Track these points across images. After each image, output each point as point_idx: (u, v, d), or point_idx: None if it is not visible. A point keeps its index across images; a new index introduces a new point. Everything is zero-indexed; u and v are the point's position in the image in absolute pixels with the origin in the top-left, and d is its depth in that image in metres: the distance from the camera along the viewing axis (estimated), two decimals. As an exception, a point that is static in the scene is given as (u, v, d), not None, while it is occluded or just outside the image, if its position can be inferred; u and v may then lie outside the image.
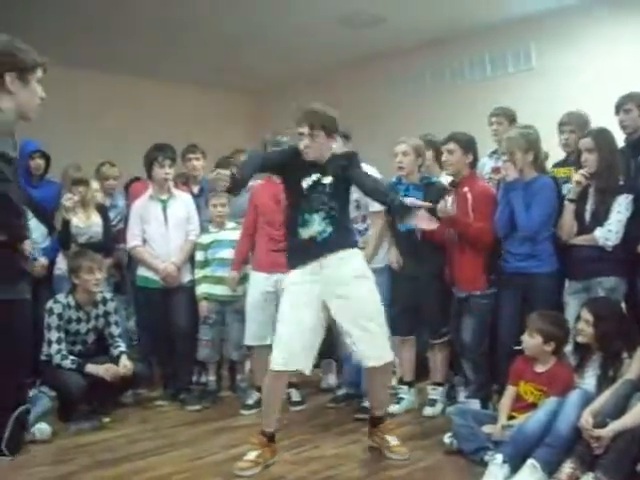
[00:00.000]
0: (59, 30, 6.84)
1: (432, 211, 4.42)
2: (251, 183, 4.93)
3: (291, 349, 3.71)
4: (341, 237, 3.82)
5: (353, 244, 3.93)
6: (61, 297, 4.84)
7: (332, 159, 3.84)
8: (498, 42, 7.53)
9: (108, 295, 5.04)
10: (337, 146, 4.68)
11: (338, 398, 5.01)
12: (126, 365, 4.81)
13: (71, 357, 4.67)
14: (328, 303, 3.77)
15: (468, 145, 4.58)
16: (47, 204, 5.28)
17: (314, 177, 3.79)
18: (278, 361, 3.73)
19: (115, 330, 4.98)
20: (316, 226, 3.76)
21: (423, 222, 4.28)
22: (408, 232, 4.64)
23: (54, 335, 4.70)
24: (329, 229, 3.76)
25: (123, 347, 4.95)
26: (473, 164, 4.65)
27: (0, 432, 2.47)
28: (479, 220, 4.42)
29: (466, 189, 4.49)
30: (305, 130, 3.75)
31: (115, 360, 4.82)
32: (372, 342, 3.75)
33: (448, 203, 4.33)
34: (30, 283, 2.67)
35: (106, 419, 4.71)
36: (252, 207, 5.00)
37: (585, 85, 6.64)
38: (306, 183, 3.79)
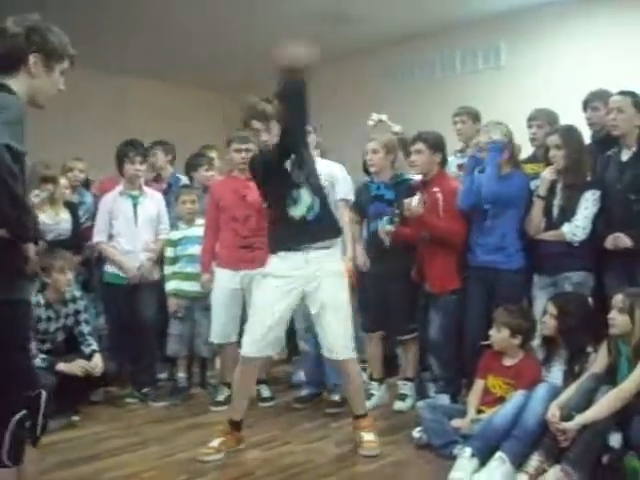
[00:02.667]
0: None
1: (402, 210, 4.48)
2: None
3: (264, 338, 3.78)
4: (329, 217, 3.92)
5: (338, 231, 4.01)
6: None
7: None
8: (469, 39, 7.57)
9: (78, 293, 4.99)
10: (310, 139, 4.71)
11: (303, 398, 4.97)
12: (98, 364, 4.77)
13: (41, 355, 4.62)
14: (305, 296, 3.85)
15: (436, 144, 4.55)
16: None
17: (292, 157, 3.82)
18: (250, 348, 3.80)
19: (85, 328, 4.93)
20: (306, 199, 3.78)
21: (382, 234, 4.50)
22: (376, 232, 4.68)
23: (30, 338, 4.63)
24: (316, 204, 3.80)
25: (95, 346, 4.90)
26: (442, 163, 4.63)
27: None
28: (450, 219, 4.42)
29: (436, 189, 4.47)
30: (259, 126, 3.79)
31: (87, 358, 4.78)
32: (338, 335, 3.83)
33: (414, 202, 4.34)
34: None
35: (75, 417, 4.66)
36: (213, 204, 4.96)
37: (554, 83, 6.70)
38: (289, 163, 3.82)
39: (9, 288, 2.39)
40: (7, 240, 2.34)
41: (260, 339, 3.79)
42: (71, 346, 4.90)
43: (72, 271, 4.87)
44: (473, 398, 3.89)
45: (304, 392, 5.01)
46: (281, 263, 3.83)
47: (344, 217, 4.83)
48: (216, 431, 3.94)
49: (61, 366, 4.62)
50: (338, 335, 3.84)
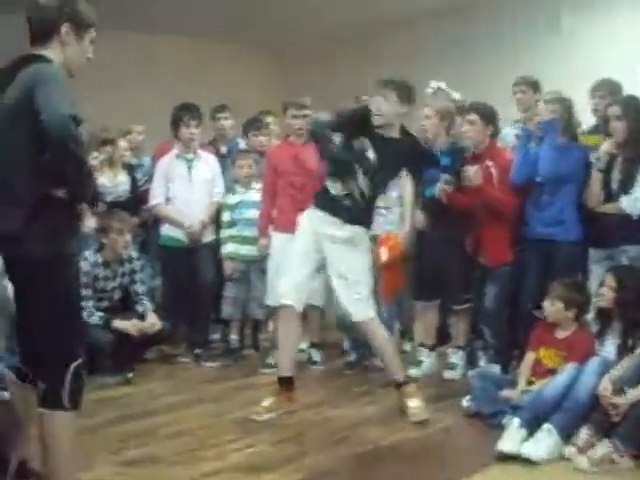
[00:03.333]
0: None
1: (458, 177, 4.44)
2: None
3: (296, 283, 3.90)
4: (363, 213, 4.03)
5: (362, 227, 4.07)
6: (89, 254, 4.88)
7: None
8: (529, 5, 7.41)
9: (134, 254, 5.10)
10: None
11: (351, 363, 5.01)
12: (153, 322, 4.89)
13: (98, 313, 4.75)
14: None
15: (489, 116, 4.52)
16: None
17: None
18: (285, 294, 3.91)
19: (140, 288, 5.05)
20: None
21: (441, 194, 4.47)
22: (433, 197, 4.65)
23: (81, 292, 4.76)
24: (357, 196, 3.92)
25: (148, 304, 5.03)
26: (494, 135, 4.58)
27: (59, 387, 2.49)
28: (504, 192, 4.39)
29: (490, 163, 4.44)
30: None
31: (141, 317, 4.91)
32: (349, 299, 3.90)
33: (472, 171, 4.31)
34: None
35: (130, 374, 4.78)
36: (271, 170, 5.01)
37: (616, 53, 6.52)
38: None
39: (64, 244, 2.53)
40: (65, 200, 2.48)
41: (294, 285, 3.89)
42: (127, 304, 5.05)
43: (130, 233, 4.98)
44: (524, 369, 3.87)
45: (352, 358, 5.05)
46: (314, 218, 3.95)
47: (407, 190, 4.80)
48: (267, 392, 4.01)
49: (117, 323, 4.75)
50: (348, 299, 3.90)
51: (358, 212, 3.90)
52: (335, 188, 3.89)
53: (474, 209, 4.50)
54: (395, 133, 3.93)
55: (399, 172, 4.24)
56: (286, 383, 3.95)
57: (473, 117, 4.50)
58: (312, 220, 3.95)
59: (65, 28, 2.55)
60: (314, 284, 4.02)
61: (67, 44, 2.57)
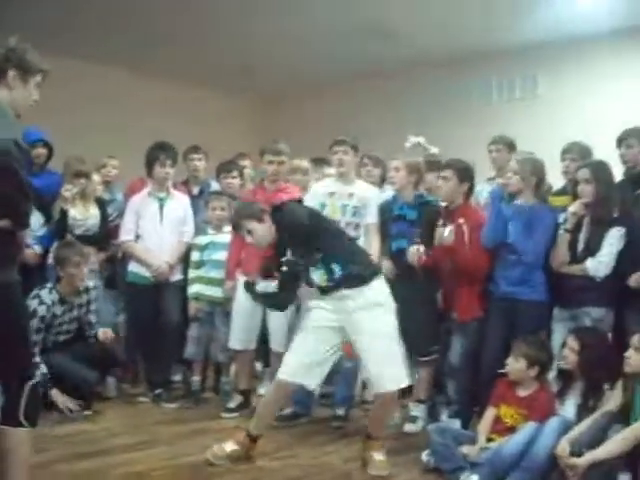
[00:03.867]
0: (62, 23, 6.92)
1: (427, 234, 4.47)
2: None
3: (304, 365, 3.80)
4: (354, 272, 3.91)
5: (364, 280, 3.92)
6: (45, 294, 4.77)
7: None
8: (506, 68, 7.59)
9: (91, 284, 5.07)
10: (348, 158, 4.71)
11: (284, 417, 4.75)
12: (106, 331, 4.98)
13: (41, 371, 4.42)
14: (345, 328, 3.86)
15: (465, 174, 4.52)
16: (46, 193, 5.29)
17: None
18: (290, 372, 3.82)
19: (92, 318, 5.05)
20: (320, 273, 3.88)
21: (414, 257, 4.46)
22: (399, 251, 4.68)
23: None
24: (336, 268, 3.85)
25: (96, 329, 5.05)
26: (468, 193, 4.59)
27: (15, 405, 2.68)
28: (475, 252, 4.38)
29: (462, 220, 4.43)
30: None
31: (94, 343, 4.98)
32: (381, 364, 3.78)
33: (446, 232, 4.33)
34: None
35: (88, 412, 4.71)
36: None
37: (589, 116, 6.71)
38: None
39: (8, 272, 2.70)
40: (5, 229, 2.64)
41: (300, 366, 3.81)
42: (82, 334, 5.05)
43: (87, 265, 4.95)
44: (484, 426, 3.87)
45: (287, 410, 4.81)
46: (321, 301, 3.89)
47: (374, 241, 4.85)
48: (225, 437, 3.95)
49: (54, 395, 4.66)
50: (381, 364, 3.76)
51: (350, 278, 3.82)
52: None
53: (440, 266, 4.52)
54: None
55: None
56: (254, 439, 3.93)
57: (448, 173, 4.49)
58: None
59: (12, 73, 2.78)
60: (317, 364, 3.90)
61: (13, 88, 2.79)
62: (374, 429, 4.01)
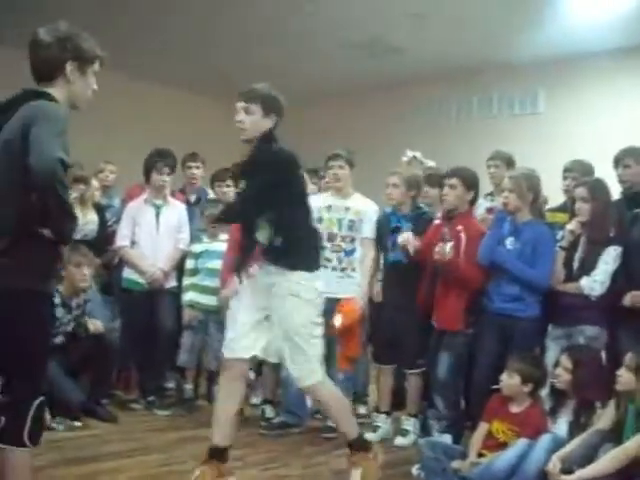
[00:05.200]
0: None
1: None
2: None
3: (237, 334, 3.55)
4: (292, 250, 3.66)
5: (294, 266, 3.62)
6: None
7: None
8: (508, 84, 7.62)
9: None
10: (344, 172, 4.73)
11: (272, 425, 4.77)
12: (95, 323, 4.91)
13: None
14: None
15: (471, 182, 4.52)
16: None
17: None
18: (227, 347, 3.59)
19: (87, 318, 5.01)
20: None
21: (404, 244, 4.45)
22: (395, 263, 4.70)
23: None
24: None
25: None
26: (473, 202, 4.61)
27: (21, 424, 2.49)
28: (470, 263, 4.34)
29: (460, 228, 4.41)
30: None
31: (86, 338, 4.90)
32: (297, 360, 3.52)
33: (447, 248, 4.27)
34: None
35: (77, 423, 4.63)
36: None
37: (590, 133, 6.73)
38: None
39: (42, 281, 2.54)
40: (49, 239, 2.49)
41: (235, 338, 3.56)
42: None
43: (90, 268, 4.93)
44: (476, 441, 3.87)
45: (277, 419, 4.86)
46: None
47: (368, 256, 4.86)
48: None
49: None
50: (296, 360, 3.51)
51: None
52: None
53: (429, 269, 4.51)
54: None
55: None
56: (220, 453, 3.51)
57: (454, 181, 4.47)
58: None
59: (70, 66, 2.57)
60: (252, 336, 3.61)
61: (72, 82, 2.59)
62: (340, 431, 3.72)
